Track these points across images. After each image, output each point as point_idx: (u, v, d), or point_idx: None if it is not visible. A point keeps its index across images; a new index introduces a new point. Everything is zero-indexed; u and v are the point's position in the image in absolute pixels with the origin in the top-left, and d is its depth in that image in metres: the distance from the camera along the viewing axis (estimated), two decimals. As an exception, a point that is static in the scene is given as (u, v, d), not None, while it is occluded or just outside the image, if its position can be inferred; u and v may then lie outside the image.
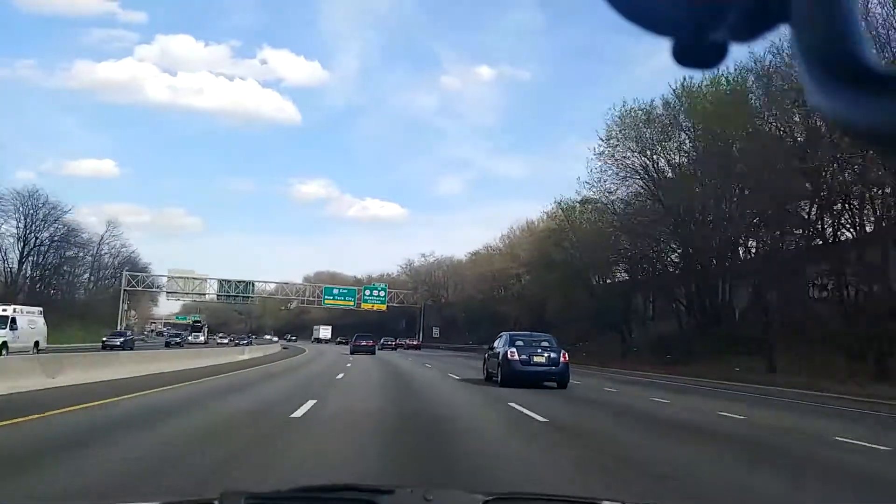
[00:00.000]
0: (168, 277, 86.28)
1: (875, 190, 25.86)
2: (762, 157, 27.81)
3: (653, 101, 34.05)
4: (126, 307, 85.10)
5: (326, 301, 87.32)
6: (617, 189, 37.81)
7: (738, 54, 28.45)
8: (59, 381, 13.47)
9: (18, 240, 63.84)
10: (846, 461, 7.79)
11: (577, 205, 41.25)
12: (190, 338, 70.54)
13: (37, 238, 64.76)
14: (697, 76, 32.60)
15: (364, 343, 46.61)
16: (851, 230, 28.95)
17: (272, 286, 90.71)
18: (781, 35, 0.53)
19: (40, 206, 64.91)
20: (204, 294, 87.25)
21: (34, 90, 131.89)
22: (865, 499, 6.02)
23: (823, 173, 26.98)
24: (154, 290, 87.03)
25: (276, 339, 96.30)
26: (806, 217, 31.59)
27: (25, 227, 64.17)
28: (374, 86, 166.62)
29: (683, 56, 0.56)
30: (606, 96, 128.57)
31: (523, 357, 16.97)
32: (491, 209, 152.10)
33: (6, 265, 65.15)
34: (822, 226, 30.98)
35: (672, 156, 34.61)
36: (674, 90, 33.24)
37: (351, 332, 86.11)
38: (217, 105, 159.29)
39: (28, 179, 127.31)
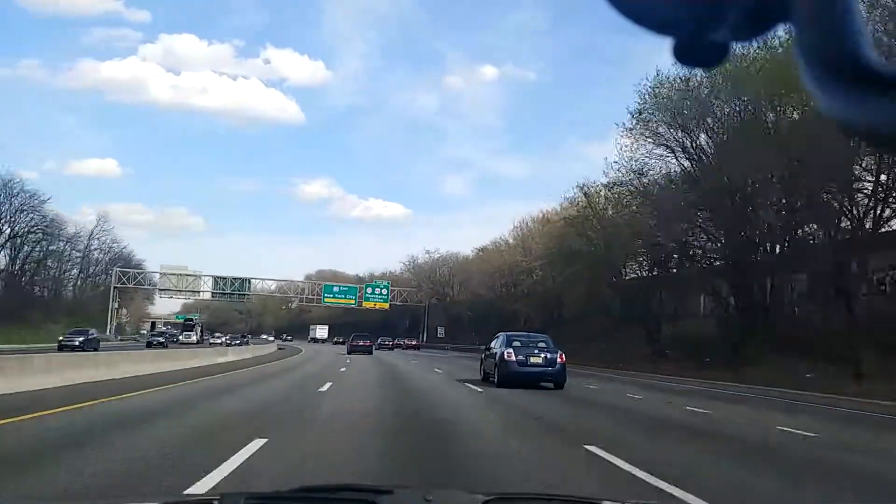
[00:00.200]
0: (161, 274, 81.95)
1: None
2: (816, 134, 23.45)
3: (692, 70, 29.58)
4: (116, 305, 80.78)
5: (326, 299, 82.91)
6: (649, 170, 33.48)
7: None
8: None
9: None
10: None
11: (604, 188, 36.85)
12: (181, 337, 66.07)
13: (12, 229, 60.17)
14: (745, 43, 28.04)
15: (361, 343, 46.37)
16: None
17: (271, 285, 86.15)
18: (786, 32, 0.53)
19: (15, 194, 60.20)
20: (198, 292, 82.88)
21: (37, 90, 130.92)
22: None
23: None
24: (145, 287, 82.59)
25: (272, 338, 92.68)
26: (867, 201, 27.32)
27: (-2, 216, 59.27)
28: (378, 85, 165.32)
29: (684, 55, 0.55)
30: (609, 97, 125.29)
31: (520, 358, 16.78)
32: (494, 209, 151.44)
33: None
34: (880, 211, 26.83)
35: (713, 132, 30.07)
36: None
37: (351, 332, 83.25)
38: (221, 105, 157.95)
39: (31, 179, 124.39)
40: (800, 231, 29.94)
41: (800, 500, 5.85)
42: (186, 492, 4.53)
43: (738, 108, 29.40)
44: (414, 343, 78.27)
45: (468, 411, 11.83)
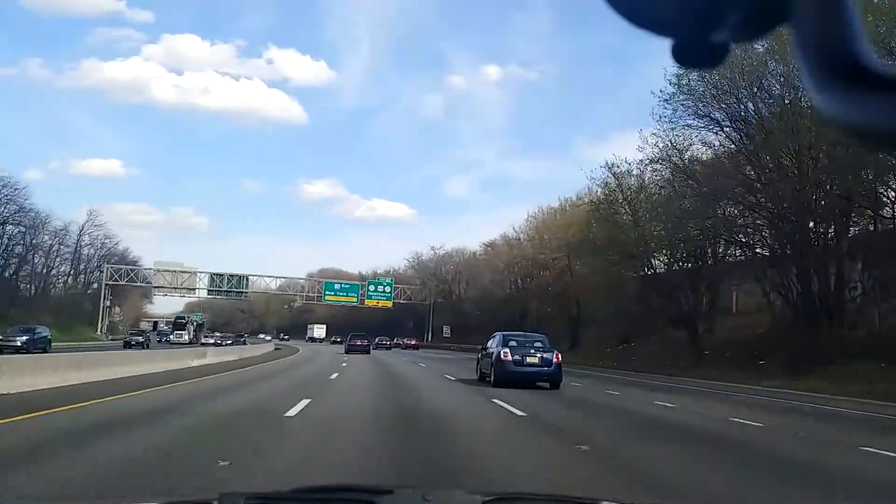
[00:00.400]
0: (155, 271, 77.59)
1: None
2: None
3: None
4: (108, 303, 76.44)
5: (327, 297, 78.42)
6: (690, 145, 28.77)
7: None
8: None
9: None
10: None
11: (635, 167, 32.14)
12: (172, 337, 61.56)
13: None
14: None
15: (359, 343, 46.30)
16: None
17: (270, 282, 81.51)
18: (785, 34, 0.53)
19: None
20: (194, 289, 78.49)
21: (41, 90, 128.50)
22: None
23: None
24: (137, 285, 78.13)
25: (268, 338, 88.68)
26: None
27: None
28: (382, 85, 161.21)
29: (683, 56, 0.55)
30: (616, 98, 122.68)
31: (516, 357, 16.65)
32: (500, 211, 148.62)
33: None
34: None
35: (769, 101, 25.41)
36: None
37: (353, 332, 79.30)
38: (223, 105, 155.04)
39: (35, 179, 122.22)
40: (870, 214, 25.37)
41: None
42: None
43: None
44: (413, 343, 74.40)
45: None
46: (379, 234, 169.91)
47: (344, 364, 28.76)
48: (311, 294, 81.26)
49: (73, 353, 20.08)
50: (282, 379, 18.85)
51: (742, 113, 26.73)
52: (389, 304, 78.34)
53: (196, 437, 7.43)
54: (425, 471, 5.85)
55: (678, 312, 32.69)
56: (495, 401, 12.76)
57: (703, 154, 29.16)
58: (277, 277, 79.40)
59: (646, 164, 30.95)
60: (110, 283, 75.06)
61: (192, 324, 70.38)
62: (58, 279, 73.03)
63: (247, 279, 77.85)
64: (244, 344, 56.77)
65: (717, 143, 28.62)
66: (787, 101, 24.36)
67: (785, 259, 26.33)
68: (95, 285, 77.11)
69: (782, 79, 24.79)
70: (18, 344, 28.95)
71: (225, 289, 77.31)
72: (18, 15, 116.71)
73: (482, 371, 18.70)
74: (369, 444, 7.26)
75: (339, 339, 76.77)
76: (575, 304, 44.29)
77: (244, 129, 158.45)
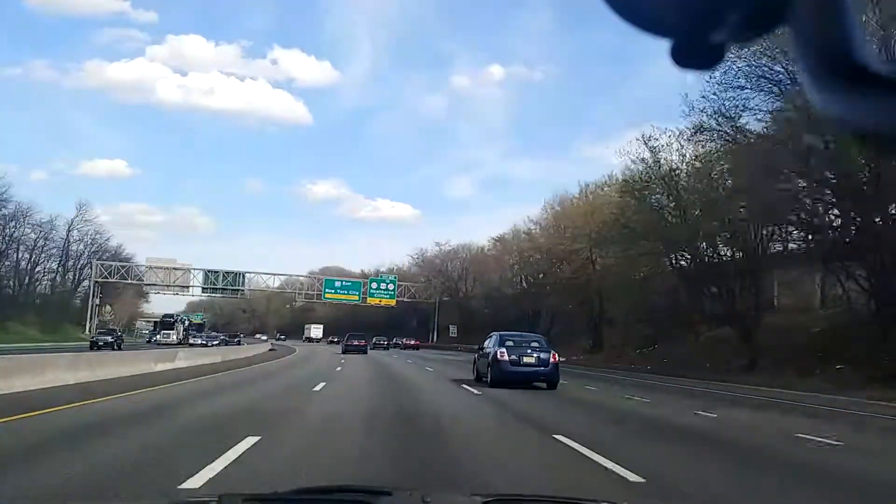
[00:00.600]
0: (147, 268, 73.29)
1: None
2: None
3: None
4: (98, 301, 72.18)
5: (327, 295, 74.01)
6: (743, 111, 24.06)
7: None
8: None
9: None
10: None
11: (675, 141, 27.36)
12: (159, 336, 57.09)
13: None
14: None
15: (356, 343, 45.75)
16: None
17: (268, 279, 77.06)
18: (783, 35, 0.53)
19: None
20: (187, 287, 74.13)
21: (46, 90, 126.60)
22: None
23: None
24: (128, 282, 73.72)
25: (264, 338, 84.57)
26: None
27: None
28: (386, 85, 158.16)
29: (682, 57, 0.54)
30: (620, 98, 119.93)
31: (513, 357, 16.35)
32: (504, 211, 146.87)
33: None
34: None
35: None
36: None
37: (355, 332, 75.69)
38: (228, 105, 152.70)
39: (40, 179, 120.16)
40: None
41: None
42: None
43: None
44: (413, 343, 70.64)
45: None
46: (382, 234, 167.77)
47: (338, 368, 24.38)
48: (310, 292, 76.90)
49: (23, 356, 15.84)
50: (245, 392, 14.42)
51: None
52: (393, 302, 73.90)
53: None
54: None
55: (725, 308, 28.01)
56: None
57: (755, 125, 24.52)
58: (275, 275, 75.02)
59: (689, 136, 26.25)
60: (100, 280, 70.79)
61: (182, 323, 65.91)
62: (43, 276, 68.76)
63: (243, 276, 73.50)
64: (238, 344, 53.61)
65: (774, 108, 23.97)
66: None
67: (862, 244, 21.75)
68: (86, 283, 72.93)
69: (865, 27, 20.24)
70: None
71: (220, 286, 72.95)
72: (24, 16, 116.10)
73: (479, 371, 18.37)
74: None
75: (335, 339, 74.18)
76: (597, 299, 39.68)
77: (249, 130, 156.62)
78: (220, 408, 10.63)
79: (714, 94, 23.93)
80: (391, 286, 73.42)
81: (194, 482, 4.66)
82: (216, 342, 47.29)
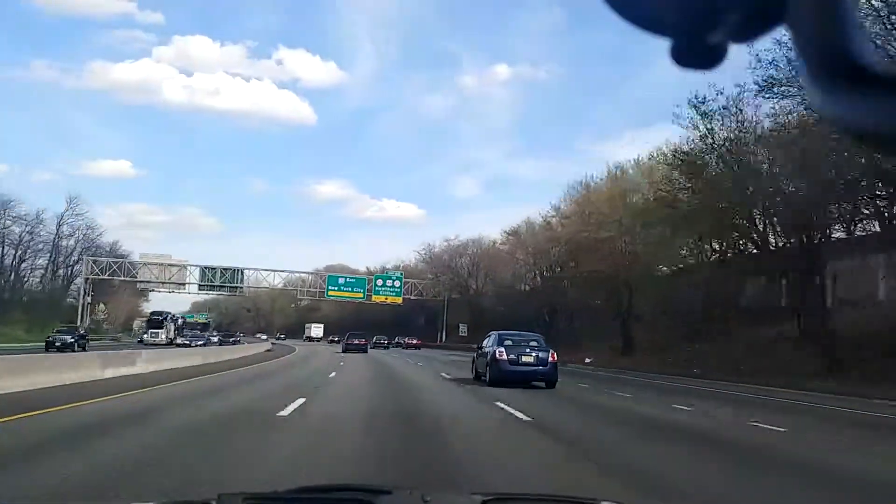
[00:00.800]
0: (142, 264, 69.09)
1: None
2: None
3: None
4: (90, 300, 68.12)
5: (330, 292, 69.69)
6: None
7: None
8: None
9: None
10: None
11: (734, 105, 22.50)
12: (146, 336, 52.83)
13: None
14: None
15: (356, 342, 45.73)
16: None
17: (268, 276, 72.77)
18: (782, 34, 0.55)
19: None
20: (184, 284, 69.91)
21: (51, 91, 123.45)
22: None
23: None
24: (121, 279, 69.54)
25: (264, 337, 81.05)
26: None
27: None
28: (392, 86, 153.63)
29: (682, 57, 0.54)
30: (626, 98, 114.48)
31: (512, 357, 16.19)
32: (511, 211, 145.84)
33: None
34: None
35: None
36: None
37: (361, 330, 72.35)
38: (234, 106, 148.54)
39: (47, 180, 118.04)
40: None
41: None
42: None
43: None
44: (416, 342, 67.28)
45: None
46: (388, 234, 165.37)
47: (332, 375, 19.95)
48: (312, 289, 72.69)
49: None
50: (204, 407, 10.16)
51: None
52: (399, 299, 69.53)
53: None
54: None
55: (788, 302, 23.44)
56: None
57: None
58: (275, 271, 70.71)
59: (755, 94, 21.49)
60: (91, 277, 66.75)
61: (174, 321, 61.63)
62: (31, 273, 64.70)
63: (242, 273, 69.23)
64: (233, 344, 49.86)
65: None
66: None
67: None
68: (79, 280, 68.86)
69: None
70: None
71: (218, 283, 68.71)
72: (29, 17, 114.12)
73: (477, 370, 18.15)
74: None
75: (336, 339, 71.83)
76: (626, 293, 35.07)
77: (254, 130, 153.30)
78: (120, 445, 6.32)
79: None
80: (397, 283, 69.09)
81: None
82: (201, 342, 42.93)
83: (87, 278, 67.42)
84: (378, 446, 7.11)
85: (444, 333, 73.39)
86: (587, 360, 35.10)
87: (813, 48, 0.49)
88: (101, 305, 72.21)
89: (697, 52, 0.53)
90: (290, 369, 23.91)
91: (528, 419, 9.72)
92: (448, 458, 6.43)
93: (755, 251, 26.03)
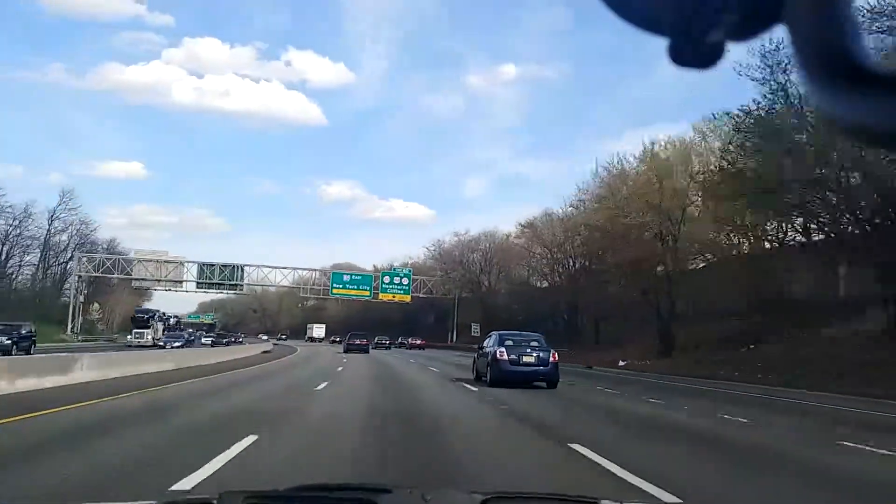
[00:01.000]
0: (137, 260, 65.08)
1: None
2: None
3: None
4: (83, 299, 64.20)
5: (335, 290, 65.50)
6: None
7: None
8: None
9: None
10: None
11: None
12: (130, 337, 48.55)
13: None
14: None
15: (357, 342, 45.20)
16: None
17: (269, 273, 68.49)
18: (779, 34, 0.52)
19: None
20: (181, 282, 65.85)
21: (63, 93, 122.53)
22: None
23: None
24: (114, 276, 65.51)
25: (265, 337, 77.74)
26: None
27: None
28: (400, 86, 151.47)
29: (679, 56, 0.54)
30: (634, 97, 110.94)
31: (512, 357, 15.88)
32: (520, 211, 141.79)
33: None
34: None
35: None
36: None
37: (368, 331, 68.56)
38: (243, 107, 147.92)
39: (58, 181, 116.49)
40: None
41: None
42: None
43: None
44: (419, 342, 64.60)
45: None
46: (396, 234, 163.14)
47: (321, 386, 15.69)
48: (316, 287, 68.54)
49: None
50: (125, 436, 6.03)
51: None
52: (407, 298, 65.25)
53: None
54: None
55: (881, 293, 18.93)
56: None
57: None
58: (276, 268, 66.53)
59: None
60: (83, 274, 62.85)
61: (163, 320, 57.45)
62: (20, 270, 60.70)
63: (242, 270, 65.08)
64: (226, 345, 46.15)
65: None
66: None
67: None
68: (77, 279, 64.89)
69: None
70: None
71: (217, 281, 64.63)
72: (43, 20, 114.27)
73: (478, 371, 17.80)
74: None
75: (337, 339, 69.47)
76: (665, 285, 30.48)
77: (263, 131, 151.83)
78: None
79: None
80: (405, 280, 64.85)
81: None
82: (178, 343, 38.54)
83: (80, 276, 63.53)
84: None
85: (454, 333, 69.04)
86: (621, 363, 30.73)
87: (811, 47, 0.49)
88: (96, 304, 68.20)
89: (695, 52, 0.53)
90: (277, 375, 19.80)
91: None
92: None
93: (831, 234, 21.52)
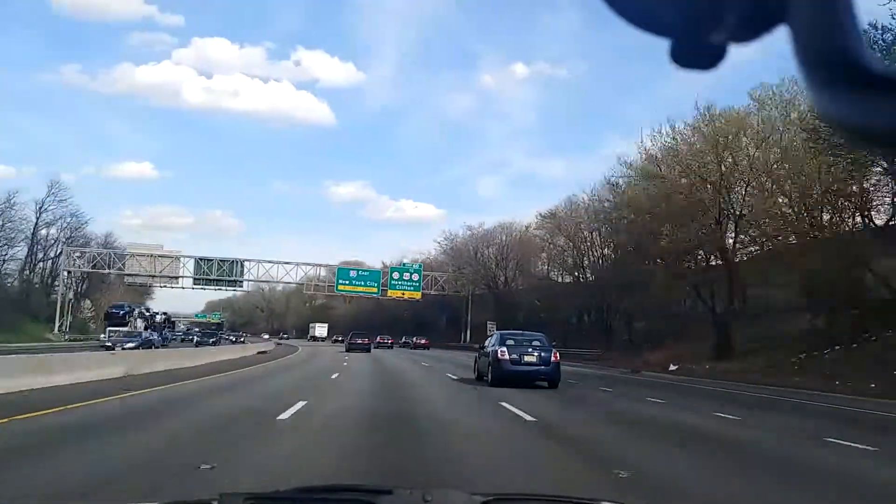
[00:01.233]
0: (130, 255, 60.60)
1: None
2: None
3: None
4: (72, 296, 59.80)
5: (340, 287, 60.74)
6: None
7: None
8: None
9: None
10: None
11: None
12: (103, 336, 43.53)
13: None
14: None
15: (359, 341, 44.93)
16: None
17: (270, 268, 63.75)
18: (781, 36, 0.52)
19: None
20: (176, 278, 61.35)
21: (76, 94, 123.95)
22: None
23: None
24: (106, 272, 61.01)
25: (266, 336, 75.63)
26: None
27: None
28: (410, 86, 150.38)
29: (681, 57, 0.53)
30: (648, 96, 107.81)
31: (514, 356, 15.75)
32: (531, 211, 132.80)
33: None
34: None
35: None
36: None
37: (376, 330, 63.88)
38: (252, 107, 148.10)
39: (70, 181, 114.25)
40: None
41: None
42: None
43: None
44: (423, 342, 60.83)
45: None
46: (405, 234, 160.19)
47: (307, 402, 10.88)
48: (320, 283, 63.79)
49: None
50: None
51: None
52: (418, 294, 60.38)
53: None
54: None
55: None
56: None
57: None
58: (277, 263, 61.79)
59: None
60: (71, 269, 58.49)
61: (147, 317, 52.75)
62: (4, 265, 56.21)
63: (241, 265, 60.47)
64: (214, 345, 42.78)
65: None
66: None
67: None
68: (66, 274, 60.54)
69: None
70: None
71: (214, 277, 60.06)
72: (57, 22, 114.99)
73: (479, 370, 17.66)
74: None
75: (340, 339, 68.62)
76: (724, 275, 25.43)
77: (272, 131, 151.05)
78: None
79: None
80: (415, 276, 59.99)
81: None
82: (132, 343, 33.60)
83: (69, 271, 59.22)
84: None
85: (467, 332, 64.08)
86: (672, 367, 25.72)
87: (812, 48, 0.48)
88: (87, 302, 63.91)
89: (697, 53, 0.52)
90: (262, 381, 15.33)
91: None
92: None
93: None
